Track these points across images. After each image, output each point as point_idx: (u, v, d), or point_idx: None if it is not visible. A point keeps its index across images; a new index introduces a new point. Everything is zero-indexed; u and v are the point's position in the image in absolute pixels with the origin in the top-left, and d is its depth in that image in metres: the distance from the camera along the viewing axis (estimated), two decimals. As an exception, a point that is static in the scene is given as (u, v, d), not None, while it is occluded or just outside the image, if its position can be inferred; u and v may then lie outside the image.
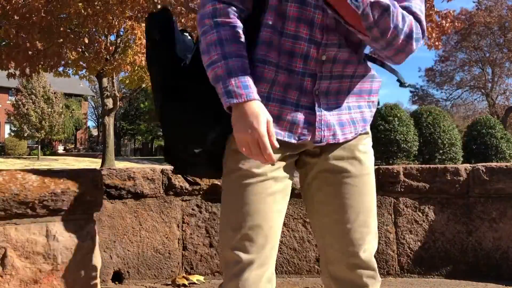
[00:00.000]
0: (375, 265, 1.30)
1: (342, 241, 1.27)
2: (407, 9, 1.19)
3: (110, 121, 21.39)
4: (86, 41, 12.20)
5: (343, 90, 1.28)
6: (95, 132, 52.95)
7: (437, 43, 10.19)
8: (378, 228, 1.35)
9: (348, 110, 1.29)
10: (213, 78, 1.16)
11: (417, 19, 1.19)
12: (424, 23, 1.21)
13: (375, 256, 1.31)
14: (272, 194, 1.22)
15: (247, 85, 1.13)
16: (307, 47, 1.21)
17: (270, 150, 1.10)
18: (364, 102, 1.33)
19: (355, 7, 1.09)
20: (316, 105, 1.24)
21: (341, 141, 1.26)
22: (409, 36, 1.16)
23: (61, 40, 11.31)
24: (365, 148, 1.32)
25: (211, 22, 1.18)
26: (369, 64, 1.35)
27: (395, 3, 1.15)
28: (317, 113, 1.24)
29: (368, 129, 1.34)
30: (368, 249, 1.29)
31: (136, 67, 14.11)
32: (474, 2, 31.45)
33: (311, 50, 1.21)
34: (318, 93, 1.24)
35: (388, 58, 1.22)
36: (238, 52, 1.16)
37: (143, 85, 17.04)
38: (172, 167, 1.44)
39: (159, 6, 9.79)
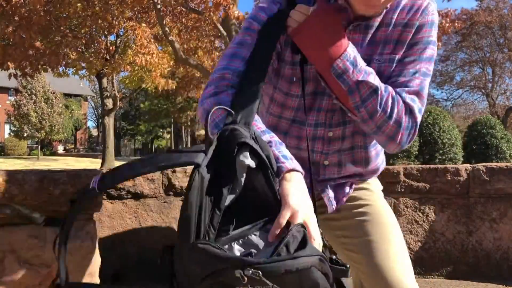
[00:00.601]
0: (407, 279, 1.17)
1: (368, 255, 1.23)
2: (401, 92, 1.14)
3: (110, 121, 21.40)
4: (84, 41, 12.19)
5: (352, 159, 1.32)
6: (95, 132, 52.96)
7: (437, 43, 10.20)
8: None
9: (353, 166, 1.33)
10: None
11: (408, 108, 1.14)
12: (416, 113, 1.15)
13: None
14: None
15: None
16: (313, 130, 1.25)
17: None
18: (374, 151, 1.34)
19: (341, 82, 1.11)
20: (326, 185, 1.29)
21: (344, 201, 1.32)
22: (398, 123, 1.13)
23: (60, 39, 11.32)
24: (365, 179, 1.36)
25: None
26: None
27: (389, 88, 1.13)
28: (322, 194, 1.29)
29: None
30: (398, 261, 1.20)
31: (136, 67, 14.09)
32: (476, 0, 31.42)
33: (318, 132, 1.26)
34: (326, 165, 1.29)
35: (381, 144, 1.22)
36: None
37: (143, 85, 17.02)
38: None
39: (159, 6, 9.77)
